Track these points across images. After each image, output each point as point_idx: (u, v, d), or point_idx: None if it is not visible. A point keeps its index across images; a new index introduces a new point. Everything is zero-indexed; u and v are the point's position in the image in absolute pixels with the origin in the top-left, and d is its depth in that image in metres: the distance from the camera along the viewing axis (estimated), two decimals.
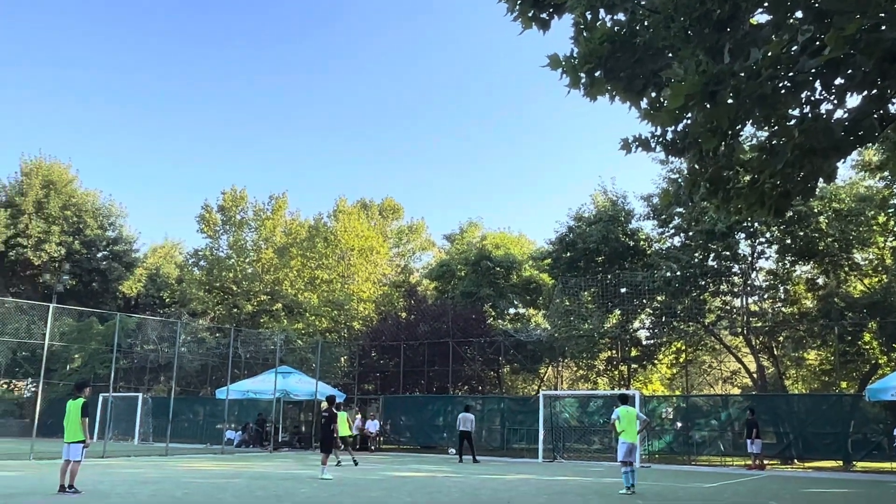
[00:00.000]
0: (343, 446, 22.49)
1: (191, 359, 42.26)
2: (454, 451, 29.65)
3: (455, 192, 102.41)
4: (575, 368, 37.41)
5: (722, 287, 30.74)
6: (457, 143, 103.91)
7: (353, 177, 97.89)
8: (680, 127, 6.87)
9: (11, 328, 42.70)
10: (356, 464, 21.61)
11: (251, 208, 49.34)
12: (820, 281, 30.18)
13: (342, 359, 41.29)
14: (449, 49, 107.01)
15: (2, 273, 48.79)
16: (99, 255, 51.88)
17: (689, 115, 6.30)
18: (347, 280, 45.04)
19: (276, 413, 32.68)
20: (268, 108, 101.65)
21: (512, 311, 42.16)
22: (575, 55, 6.56)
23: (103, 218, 52.39)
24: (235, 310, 45.60)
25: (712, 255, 29.79)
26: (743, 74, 5.73)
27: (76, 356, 44.49)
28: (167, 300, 51.18)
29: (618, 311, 32.38)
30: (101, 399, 35.08)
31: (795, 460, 24.80)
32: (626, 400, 15.93)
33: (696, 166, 7.19)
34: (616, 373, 34.36)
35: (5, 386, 45.80)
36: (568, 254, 33.56)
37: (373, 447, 32.05)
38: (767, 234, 29.09)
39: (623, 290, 31.21)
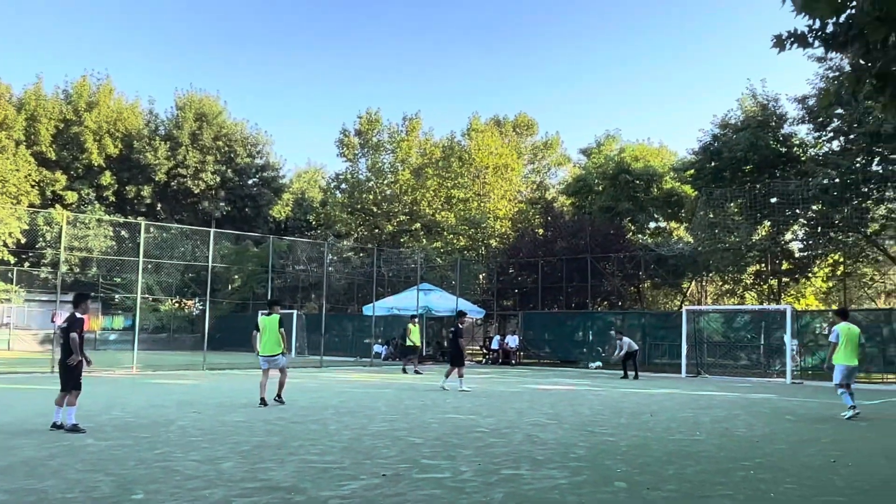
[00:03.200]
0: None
1: (338, 278, 44.51)
2: (594, 365, 29.83)
3: (591, 105, 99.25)
4: (720, 283, 36.11)
5: (888, 193, 28.26)
6: (591, 55, 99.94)
7: (485, 94, 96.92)
8: (842, 18, 6.24)
9: (178, 252, 46.61)
10: (416, 373, 24.24)
11: (386, 131, 50.17)
12: None
13: (481, 276, 42.01)
14: None
15: (166, 202, 53.00)
16: (249, 181, 55.14)
17: (854, 3, 5.71)
18: (483, 198, 45.29)
19: (420, 329, 33.95)
20: (398, 30, 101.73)
21: (652, 224, 40.99)
22: None
23: (251, 146, 55.32)
24: (377, 230, 47.22)
25: (877, 160, 27.36)
26: None
27: (236, 276, 48.07)
28: (313, 223, 53.82)
29: (767, 223, 30.70)
30: (259, 316, 37.80)
31: None
32: (846, 315, 13.19)
33: (861, 61, 6.54)
34: (765, 287, 32.86)
35: (177, 305, 50.35)
36: (712, 164, 31.94)
37: (513, 361, 32.81)
38: None
39: (773, 200, 29.44)
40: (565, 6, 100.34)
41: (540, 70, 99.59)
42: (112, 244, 47.03)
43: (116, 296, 45.10)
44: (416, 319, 26.23)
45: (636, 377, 23.44)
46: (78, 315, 9.90)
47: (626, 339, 24.39)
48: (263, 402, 13.04)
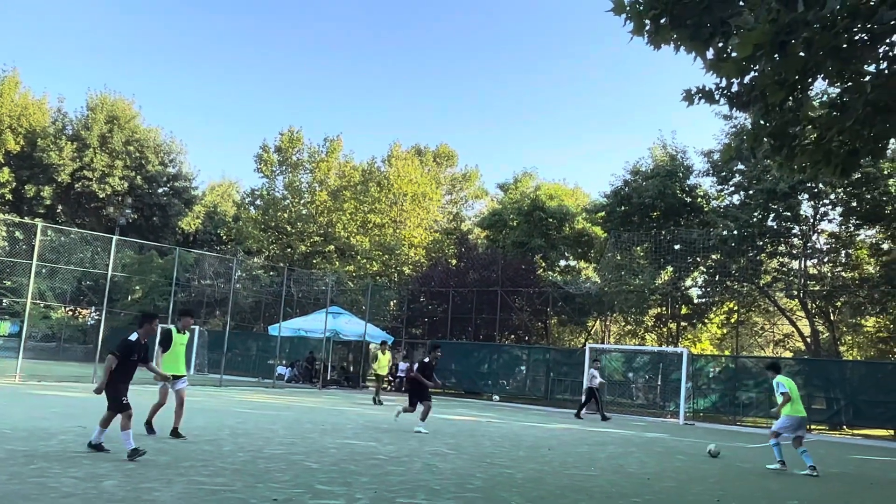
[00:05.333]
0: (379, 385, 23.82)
1: (245, 295, 43.42)
2: (497, 397, 30.00)
3: (511, 141, 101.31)
4: (623, 323, 37.22)
5: (780, 248, 30.00)
6: (514, 92, 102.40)
7: (408, 122, 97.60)
8: (746, 79, 6.64)
9: (76, 258, 44.46)
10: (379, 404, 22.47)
11: (307, 150, 49.72)
12: (885, 246, 29.13)
13: (391, 302, 41.87)
14: None
15: (68, 204, 50.58)
16: (160, 190, 53.22)
17: (757, 66, 6.08)
18: (399, 225, 45.34)
19: (326, 352, 33.44)
20: (326, 51, 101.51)
21: (562, 263, 41.96)
22: (640, 0, 6.35)
23: (164, 154, 53.54)
24: (289, 250, 46.45)
25: (772, 216, 29.02)
26: (817, 25, 5.48)
27: (137, 287, 46.13)
28: (224, 237, 52.45)
29: (670, 268, 31.95)
30: (159, 330, 36.39)
31: (844, 427, 24.49)
32: (779, 369, 12.92)
33: (761, 121, 6.97)
34: (665, 330, 34.08)
35: (70, 313, 47.87)
36: (622, 208, 33.08)
37: None
38: (832, 196, 28.15)
39: (677, 246, 30.72)
40: (492, 43, 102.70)
41: (463, 103, 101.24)
42: (4, 245, 44.46)
43: (4, 300, 42.56)
44: (385, 347, 25.06)
45: (578, 415, 22.58)
46: (130, 339, 9.13)
47: (595, 371, 23.27)
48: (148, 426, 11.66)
